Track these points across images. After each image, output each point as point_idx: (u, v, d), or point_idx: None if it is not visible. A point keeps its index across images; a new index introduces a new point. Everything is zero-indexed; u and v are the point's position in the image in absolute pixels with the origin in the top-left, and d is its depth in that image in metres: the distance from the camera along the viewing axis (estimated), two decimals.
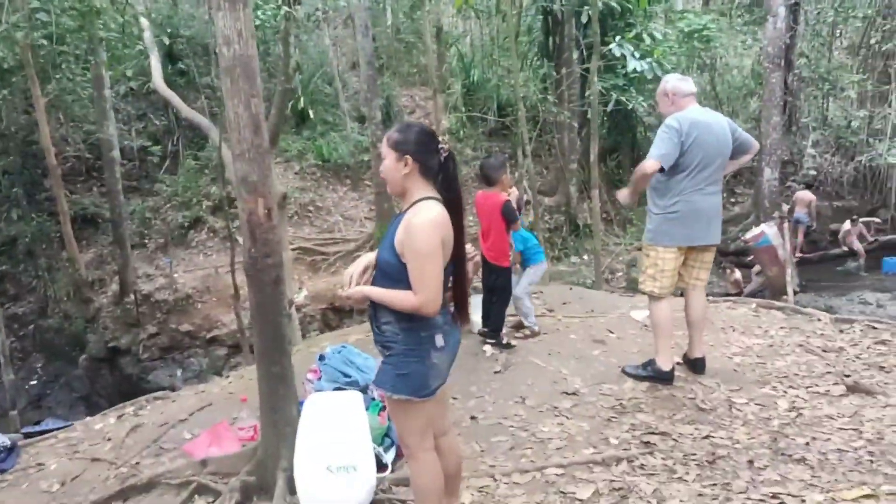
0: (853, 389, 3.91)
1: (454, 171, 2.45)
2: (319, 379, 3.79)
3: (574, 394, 4.02)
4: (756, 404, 3.81)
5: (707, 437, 3.42)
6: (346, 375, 3.71)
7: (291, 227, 12.81)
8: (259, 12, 13.05)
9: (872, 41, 16.14)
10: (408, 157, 2.39)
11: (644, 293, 4.20)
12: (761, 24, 20.43)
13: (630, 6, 13.81)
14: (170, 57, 14.39)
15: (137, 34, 8.99)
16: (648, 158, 3.93)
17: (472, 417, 3.79)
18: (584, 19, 13.57)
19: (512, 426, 3.66)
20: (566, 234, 14.56)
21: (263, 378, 3.08)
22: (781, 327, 5.29)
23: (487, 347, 4.78)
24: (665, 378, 4.10)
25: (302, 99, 14.66)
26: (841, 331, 5.24)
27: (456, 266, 2.47)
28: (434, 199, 2.39)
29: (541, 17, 14.88)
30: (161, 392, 5.50)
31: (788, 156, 17.28)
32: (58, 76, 11.44)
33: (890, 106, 15.79)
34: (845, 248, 13.16)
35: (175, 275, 11.95)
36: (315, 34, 16.80)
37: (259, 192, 2.92)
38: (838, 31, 19.19)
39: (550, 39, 14.32)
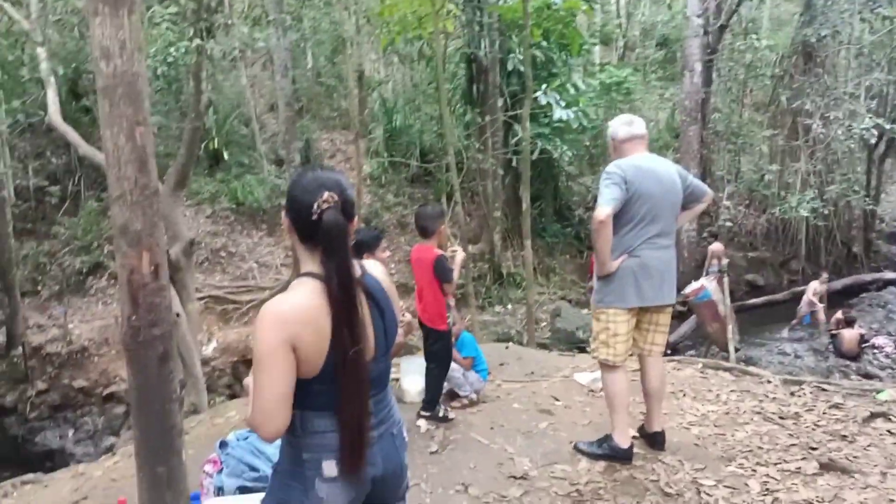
0: (827, 468, 3.56)
1: (338, 234, 1.72)
2: (220, 472, 3.12)
3: (524, 478, 3.50)
4: (725, 487, 3.39)
5: None
6: (252, 469, 3.06)
7: (201, 275, 12.03)
8: (172, 49, 12.44)
9: (783, 98, 16.76)
10: (286, 217, 1.82)
11: (597, 360, 3.76)
12: (674, 80, 21.20)
13: (553, 56, 13.87)
14: (73, 93, 13.49)
15: (31, 64, 8.20)
16: (598, 207, 3.53)
17: None
18: (509, 67, 13.60)
19: None
20: (490, 282, 14.23)
21: (145, 481, 2.41)
22: (732, 391, 4.97)
23: (422, 422, 4.20)
24: (623, 456, 3.64)
25: (216, 139, 13.97)
26: (792, 393, 4.96)
27: (343, 376, 1.72)
28: (311, 277, 1.77)
29: (464, 64, 14.77)
30: (32, 475, 4.65)
31: (705, 208, 17.67)
32: None
33: (799, 161, 16.37)
34: (806, 310, 12.66)
35: (70, 325, 11.01)
36: (232, 74, 16.15)
37: (144, 244, 2.30)
38: (749, 88, 19.98)
39: (474, 86, 14.18)
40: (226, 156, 14.38)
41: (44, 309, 11.61)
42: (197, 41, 6.98)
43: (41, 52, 9.02)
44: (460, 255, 4.45)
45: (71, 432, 10.51)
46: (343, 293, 1.70)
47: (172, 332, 2.43)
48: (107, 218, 12.48)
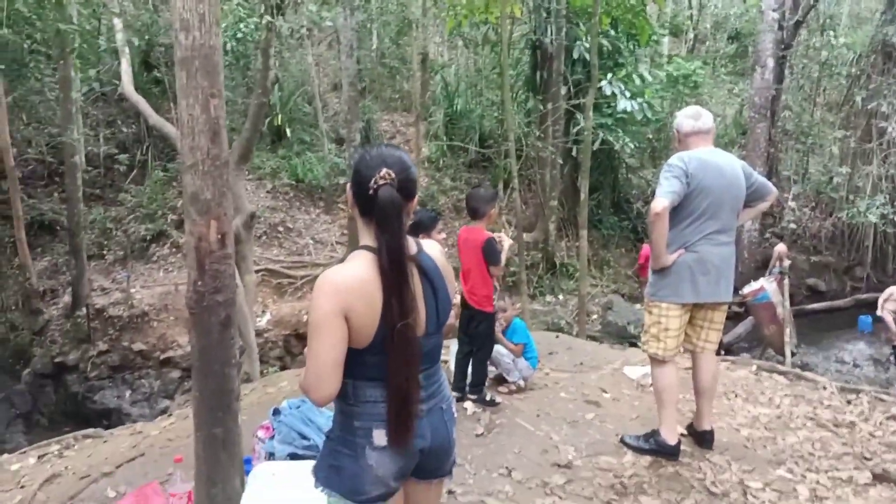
0: (880, 479, 3.46)
1: (391, 210, 1.77)
2: (272, 438, 3.22)
3: (567, 466, 3.50)
4: (773, 490, 3.33)
5: None
6: (303, 437, 3.14)
7: (259, 248, 12.28)
8: (242, 25, 12.70)
9: (857, 98, 16.14)
10: (349, 190, 1.88)
11: (647, 354, 3.72)
12: (744, 76, 20.62)
13: (620, 45, 13.64)
14: (146, 64, 13.91)
15: (108, 35, 8.45)
16: (655, 199, 3.48)
17: (450, 492, 3.24)
18: (574, 55, 13.43)
19: None
20: (542, 271, 14.15)
21: (202, 441, 2.51)
22: (786, 395, 4.85)
23: (468, 404, 4.24)
24: (670, 452, 3.61)
25: (280, 116, 14.20)
26: (848, 402, 4.81)
27: (391, 348, 1.77)
28: (366, 250, 1.83)
29: (529, 50, 14.64)
30: (92, 430, 4.85)
31: (768, 207, 17.20)
32: (27, 75, 10.87)
33: (871, 164, 15.77)
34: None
35: (132, 290, 11.34)
36: (298, 52, 16.38)
37: (213, 213, 2.38)
38: (822, 87, 19.31)
39: (538, 73, 14.04)
40: (288, 132, 14.60)
41: (108, 273, 12.02)
42: (267, 18, 7.09)
43: (117, 22, 9.29)
44: (507, 242, 4.44)
45: (128, 393, 10.84)
46: (393, 267, 1.75)
47: (235, 300, 2.51)
48: (171, 187, 12.85)
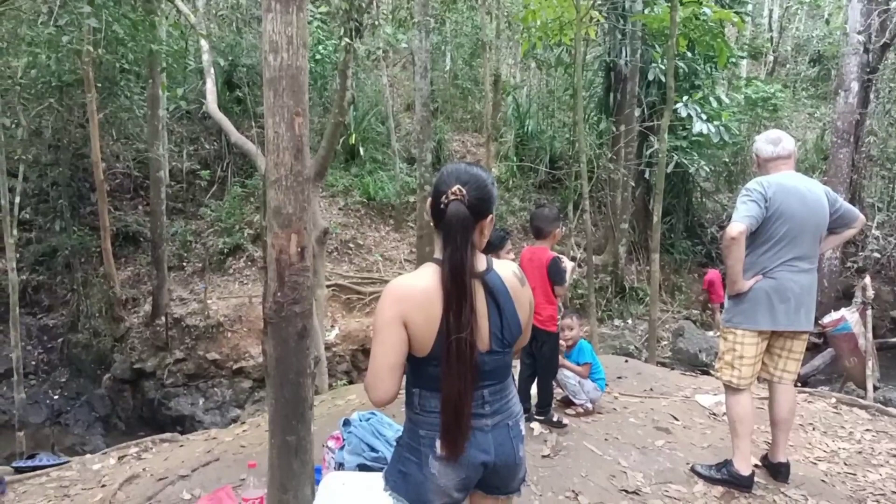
0: None
1: (457, 225, 1.81)
2: (342, 448, 3.28)
3: (636, 493, 3.44)
4: None
5: None
6: (372, 449, 3.20)
7: (330, 263, 12.53)
8: (321, 47, 13.09)
9: None
10: (429, 202, 1.93)
11: (721, 381, 3.63)
12: (826, 99, 19.97)
13: (697, 67, 13.44)
14: (228, 84, 14.45)
15: (195, 55, 8.84)
16: (731, 223, 3.42)
17: None
18: (649, 77, 13.29)
19: None
20: (611, 294, 13.95)
21: (276, 448, 2.59)
22: (868, 430, 4.64)
23: (535, 425, 4.21)
24: (744, 484, 3.50)
25: (354, 135, 14.51)
26: None
27: (446, 361, 1.80)
28: (434, 262, 1.88)
29: (603, 72, 14.57)
30: (169, 434, 5.04)
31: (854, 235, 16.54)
32: (117, 93, 11.45)
33: None
34: None
35: (209, 301, 11.71)
36: (373, 73, 16.74)
37: (294, 226, 2.47)
38: None
39: (611, 95, 13.96)
40: (361, 151, 14.90)
41: (187, 283, 12.44)
42: (346, 40, 7.28)
43: (204, 44, 9.68)
44: (569, 265, 4.41)
45: (201, 401, 11.12)
46: (454, 281, 1.79)
47: (311, 311, 2.59)
48: (248, 203, 13.26)
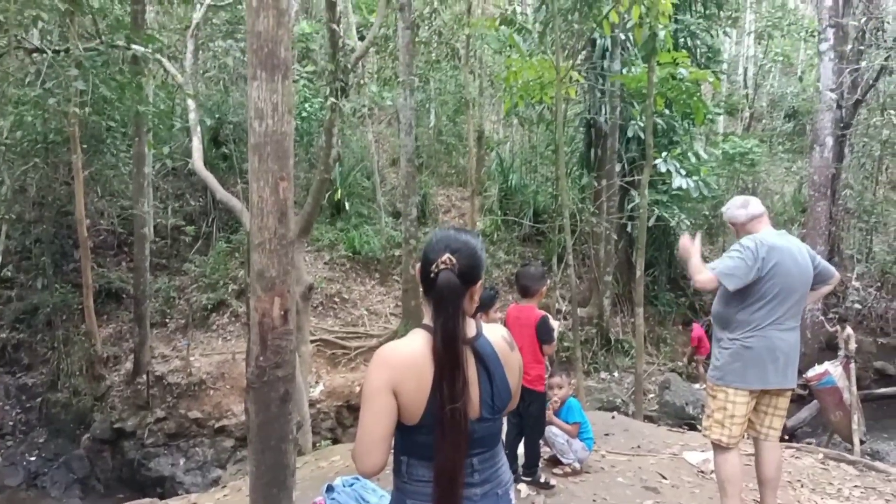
0: None
1: (448, 294, 1.81)
2: None
3: None
4: None
5: None
6: None
7: (315, 318, 12.45)
8: (307, 105, 13.29)
9: None
10: (418, 268, 1.93)
11: (710, 440, 3.62)
12: (802, 153, 20.41)
13: (675, 124, 13.73)
14: (215, 141, 14.57)
15: (181, 114, 8.94)
16: (709, 272, 3.46)
17: None
18: (629, 133, 13.56)
19: None
20: (597, 347, 13.94)
21: None
22: (856, 486, 4.63)
23: (522, 486, 4.16)
24: None
25: (339, 190, 14.62)
26: None
27: (439, 431, 1.79)
28: (424, 329, 1.88)
29: (583, 128, 14.86)
30: (148, 500, 4.92)
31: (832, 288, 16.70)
32: (103, 151, 11.51)
33: None
34: None
35: (191, 357, 11.57)
36: (359, 130, 16.97)
37: (277, 289, 2.48)
38: (885, 165, 18.96)
39: (592, 151, 14.21)
40: (347, 206, 14.99)
41: (169, 340, 12.30)
42: (332, 100, 7.41)
43: (191, 103, 9.80)
44: (555, 324, 4.42)
45: (182, 461, 10.88)
46: (446, 350, 1.79)
47: (294, 375, 2.57)
48: (234, 258, 13.23)
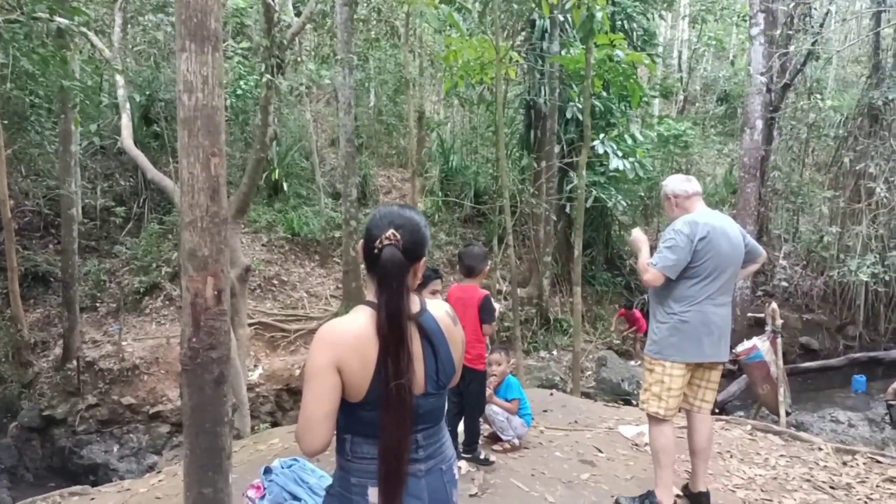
0: None
1: (392, 270, 1.79)
2: (262, 498, 3.18)
3: None
4: None
5: None
6: (294, 497, 3.10)
7: (253, 301, 12.25)
8: (242, 82, 12.96)
9: (846, 159, 16.45)
10: (361, 245, 1.90)
11: (646, 413, 3.70)
12: (734, 136, 21.02)
13: (612, 106, 13.94)
14: (146, 119, 14.11)
15: (109, 90, 8.60)
16: (653, 269, 3.55)
17: None
18: (567, 115, 13.71)
19: None
20: (536, 326, 14.14)
21: (191, 501, 2.47)
22: (782, 455, 4.82)
23: (462, 463, 4.18)
24: None
25: (277, 170, 14.35)
26: (844, 463, 4.79)
27: (384, 407, 1.77)
28: (367, 306, 1.85)
29: (523, 109, 14.95)
30: (80, 487, 4.76)
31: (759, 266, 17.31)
32: (27, 128, 11.02)
33: (861, 224, 15.96)
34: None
35: (123, 342, 11.25)
36: (296, 109, 16.67)
37: (210, 269, 2.40)
38: (811, 148, 19.69)
39: (532, 132, 14.31)
40: (285, 187, 14.75)
41: (100, 325, 11.94)
42: (267, 76, 7.24)
43: (119, 79, 9.45)
44: (496, 305, 4.45)
45: (116, 448, 10.64)
46: (390, 326, 1.76)
47: (229, 356, 2.51)
48: (166, 240, 12.88)
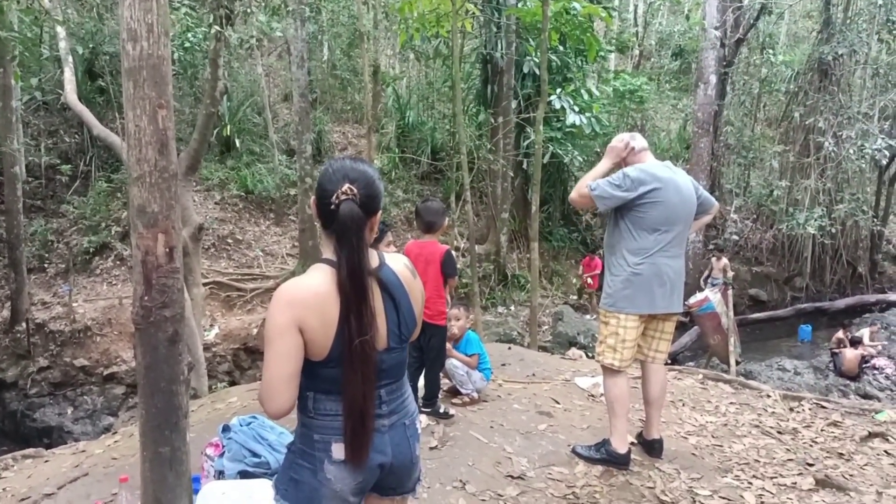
0: (823, 484, 3.57)
1: (351, 225, 1.75)
2: (221, 455, 3.15)
3: (521, 477, 3.51)
4: (721, 497, 3.41)
5: None
6: (254, 455, 3.08)
7: (207, 260, 12.06)
8: (190, 34, 12.52)
9: (796, 114, 16.75)
10: (313, 202, 1.86)
11: (601, 364, 3.76)
12: (688, 91, 21.20)
13: (569, 61, 13.89)
14: (90, 73, 13.56)
15: (51, 43, 8.22)
16: (587, 191, 3.63)
17: None
18: (524, 70, 13.62)
19: None
20: (494, 283, 14.25)
21: (148, 461, 2.44)
22: (732, 403, 4.98)
23: (422, 417, 4.21)
24: (621, 462, 3.66)
25: (229, 126, 14.00)
26: (791, 409, 4.97)
27: (348, 364, 1.75)
28: (326, 263, 1.81)
29: (480, 64, 14.79)
30: (33, 450, 4.67)
31: (712, 220, 17.68)
32: None
33: (809, 178, 16.36)
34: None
35: (74, 304, 11.00)
36: (247, 62, 16.22)
37: (160, 226, 2.33)
38: (762, 103, 19.99)
39: (489, 87, 14.20)
40: (237, 143, 14.43)
41: (49, 286, 11.64)
42: (216, 28, 7.00)
43: (60, 30, 9.06)
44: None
45: (70, 410, 10.50)
46: (352, 282, 1.74)
47: (183, 315, 2.46)
48: (116, 199, 12.53)
